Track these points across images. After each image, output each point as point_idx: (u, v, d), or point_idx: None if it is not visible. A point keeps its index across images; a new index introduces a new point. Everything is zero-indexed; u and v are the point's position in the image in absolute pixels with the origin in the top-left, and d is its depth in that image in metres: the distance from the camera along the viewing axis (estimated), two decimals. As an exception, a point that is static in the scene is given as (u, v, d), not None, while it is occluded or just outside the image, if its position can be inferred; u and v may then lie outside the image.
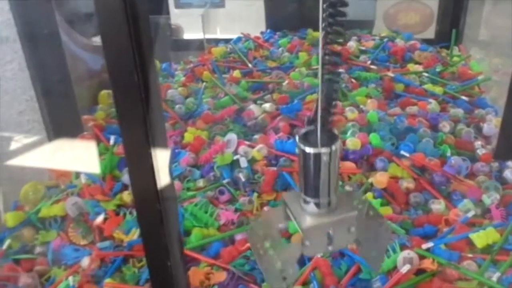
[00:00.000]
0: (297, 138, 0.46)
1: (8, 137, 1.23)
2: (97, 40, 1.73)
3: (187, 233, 0.96)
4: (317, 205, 0.47)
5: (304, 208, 0.48)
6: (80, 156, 1.26)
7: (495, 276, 0.80)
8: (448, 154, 1.12)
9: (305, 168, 0.45)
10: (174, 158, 1.15)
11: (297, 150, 0.46)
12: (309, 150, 0.44)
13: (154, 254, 0.51)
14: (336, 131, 0.46)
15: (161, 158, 0.45)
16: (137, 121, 0.41)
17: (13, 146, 1.24)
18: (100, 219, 1.01)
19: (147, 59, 0.41)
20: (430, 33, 1.92)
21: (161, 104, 0.46)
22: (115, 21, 0.38)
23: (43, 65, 1.23)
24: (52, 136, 1.26)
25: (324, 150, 0.43)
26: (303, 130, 0.46)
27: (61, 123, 1.28)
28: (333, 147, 0.43)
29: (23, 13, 1.16)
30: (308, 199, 0.47)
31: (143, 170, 0.44)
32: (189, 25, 2.21)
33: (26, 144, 1.24)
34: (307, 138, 0.44)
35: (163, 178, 0.46)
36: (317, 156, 0.43)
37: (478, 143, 1.16)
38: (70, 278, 0.89)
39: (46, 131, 1.25)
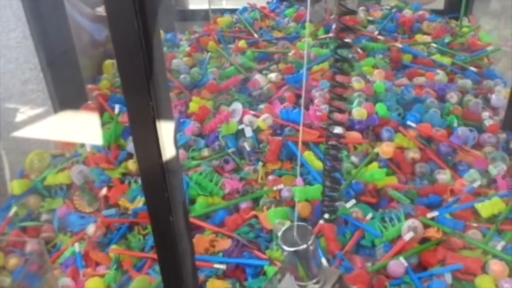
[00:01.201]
0: (279, 236, 0.52)
1: (13, 108, 1.22)
2: (101, 10, 1.71)
3: (192, 201, 0.97)
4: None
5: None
6: (84, 126, 1.26)
7: (499, 245, 0.80)
8: (455, 124, 1.11)
9: (289, 260, 0.51)
10: (179, 128, 1.15)
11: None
12: (288, 248, 0.49)
13: (158, 219, 0.51)
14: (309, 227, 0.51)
15: (165, 124, 0.44)
16: (140, 82, 0.41)
17: (18, 116, 1.24)
18: (104, 190, 1.01)
19: (151, 25, 0.41)
20: (439, 4, 1.89)
21: (165, 68, 0.45)
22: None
23: (47, 34, 1.22)
24: (57, 105, 1.26)
25: (301, 247, 0.49)
26: (283, 228, 0.51)
27: (65, 92, 1.28)
28: (309, 242, 0.49)
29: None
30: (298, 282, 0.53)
31: (147, 133, 0.44)
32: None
33: (31, 114, 1.24)
34: (285, 237, 0.50)
35: (167, 143, 0.46)
36: (295, 252, 0.49)
37: (485, 114, 1.15)
38: (76, 245, 0.90)
39: (51, 100, 1.24)
